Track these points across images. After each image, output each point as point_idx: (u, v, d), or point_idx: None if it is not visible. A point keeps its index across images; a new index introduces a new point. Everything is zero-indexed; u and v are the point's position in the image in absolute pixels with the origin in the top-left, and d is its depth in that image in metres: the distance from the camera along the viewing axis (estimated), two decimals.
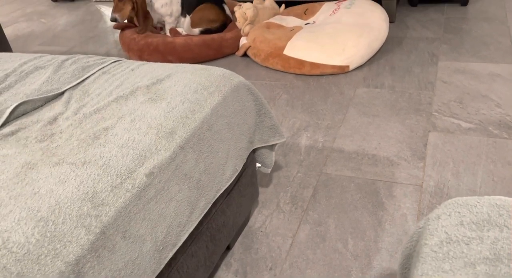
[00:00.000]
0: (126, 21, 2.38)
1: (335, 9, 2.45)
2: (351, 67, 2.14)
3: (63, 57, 1.26)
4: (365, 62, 2.20)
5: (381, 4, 2.56)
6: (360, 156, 1.57)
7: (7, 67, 1.23)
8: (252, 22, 2.48)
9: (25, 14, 3.64)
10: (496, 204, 0.66)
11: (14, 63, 1.25)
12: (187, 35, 2.44)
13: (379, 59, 2.23)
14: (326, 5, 2.57)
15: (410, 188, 1.40)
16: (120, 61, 1.24)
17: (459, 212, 0.64)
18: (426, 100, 1.83)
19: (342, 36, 2.16)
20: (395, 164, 1.51)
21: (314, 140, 1.68)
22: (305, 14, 2.59)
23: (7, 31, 3.27)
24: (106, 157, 0.82)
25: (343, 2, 2.49)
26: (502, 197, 0.68)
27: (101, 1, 3.71)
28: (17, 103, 1.02)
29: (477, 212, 0.64)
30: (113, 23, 3.14)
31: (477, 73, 1.98)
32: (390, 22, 2.61)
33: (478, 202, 0.67)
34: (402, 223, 1.27)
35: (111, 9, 3.48)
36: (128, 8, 2.31)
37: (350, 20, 2.31)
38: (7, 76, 1.18)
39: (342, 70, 2.14)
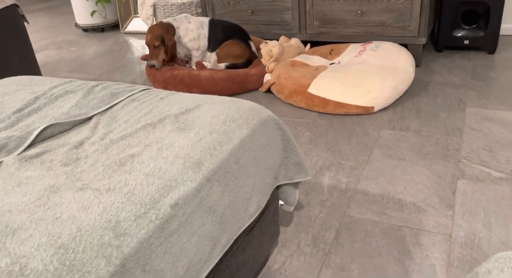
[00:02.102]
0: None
1: (361, 51, 2.46)
2: (375, 109, 2.12)
3: (93, 83, 1.27)
4: (390, 105, 2.18)
5: (407, 48, 2.56)
6: (385, 199, 1.51)
7: (37, 90, 1.24)
8: (277, 60, 2.50)
9: (56, 42, 3.76)
10: None
11: (44, 86, 1.26)
12: (212, 69, 2.47)
13: (405, 102, 2.20)
14: (351, 46, 2.59)
15: (438, 237, 1.33)
16: (149, 90, 1.24)
17: None
18: (454, 146, 1.78)
19: (368, 77, 2.15)
20: (422, 210, 1.44)
21: (337, 180, 1.64)
22: (330, 54, 2.61)
23: (38, 57, 3.37)
24: (131, 184, 0.79)
25: (369, 44, 2.51)
26: None
27: (130, 33, 3.82)
28: (44, 126, 1.01)
29: None
30: (141, 54, 3.22)
31: (507, 121, 1.93)
32: (416, 66, 2.61)
33: None
34: (431, 274, 1.20)
35: (139, 40, 3.57)
36: (163, 54, 2.44)
37: (376, 62, 2.31)
38: (36, 98, 1.18)
39: (366, 111, 2.11)
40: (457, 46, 2.80)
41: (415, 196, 1.51)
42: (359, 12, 2.63)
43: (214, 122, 1.01)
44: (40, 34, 4.04)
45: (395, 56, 2.32)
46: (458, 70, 2.52)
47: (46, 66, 3.15)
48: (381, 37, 2.65)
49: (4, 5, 1.95)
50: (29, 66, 2.11)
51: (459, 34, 2.73)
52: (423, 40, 2.54)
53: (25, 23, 2.08)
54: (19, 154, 0.93)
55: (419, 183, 1.58)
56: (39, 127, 1.01)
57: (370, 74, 2.18)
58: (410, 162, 1.70)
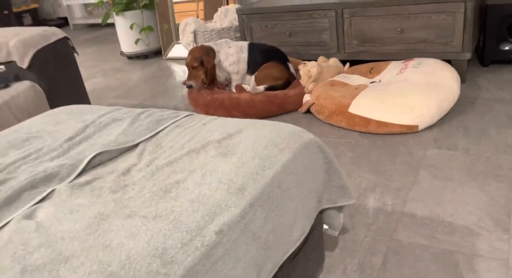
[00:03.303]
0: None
1: (402, 68, 2.42)
2: (420, 127, 2.06)
3: (139, 110, 1.32)
4: (436, 123, 2.11)
5: (451, 64, 2.49)
6: (434, 222, 1.45)
7: (87, 119, 1.30)
8: (316, 80, 2.50)
9: (103, 70, 3.94)
10: None
11: (93, 115, 1.32)
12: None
13: (451, 119, 2.13)
14: (392, 64, 2.54)
15: (494, 263, 1.25)
16: (192, 115, 1.27)
17: None
18: (507, 166, 1.69)
19: (411, 95, 2.10)
20: (475, 233, 1.37)
21: (382, 202, 1.59)
22: (370, 73, 2.58)
23: (86, 85, 3.54)
24: (177, 211, 0.80)
25: (411, 61, 2.46)
26: None
27: (171, 59, 3.95)
28: (94, 154, 1.05)
29: None
30: (182, 79, 3.31)
31: None
32: (461, 82, 2.52)
33: None
34: None
35: (180, 65, 3.69)
36: (201, 75, 2.48)
37: (419, 80, 2.25)
38: (86, 127, 1.24)
39: (410, 130, 2.06)
40: (504, 60, 2.69)
41: (467, 219, 1.44)
42: (398, 29, 2.59)
43: (256, 147, 1.01)
44: (88, 62, 4.26)
45: (439, 72, 2.26)
46: (507, 85, 2.42)
47: (94, 93, 3.31)
48: (423, 53, 2.59)
49: (56, 38, 2.07)
50: (79, 95, 2.22)
51: (506, 48, 2.63)
52: (468, 56, 2.47)
53: (75, 54, 2.20)
54: (70, 182, 0.97)
55: (470, 204, 1.51)
56: (89, 155, 1.05)
57: (413, 92, 2.13)
58: (460, 183, 1.63)
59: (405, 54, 2.65)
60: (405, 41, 2.62)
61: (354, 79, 2.55)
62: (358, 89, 2.32)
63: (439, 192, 1.60)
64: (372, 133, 2.12)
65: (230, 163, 0.95)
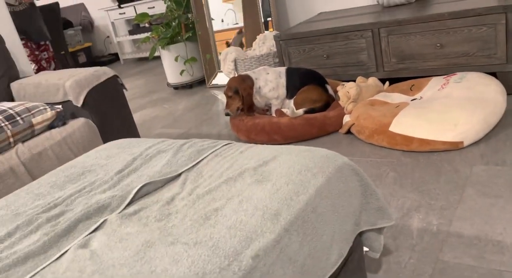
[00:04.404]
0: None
1: (444, 84, 2.38)
2: (465, 144, 2.01)
3: (182, 141, 1.40)
4: (482, 138, 2.05)
5: (495, 77, 2.42)
6: (482, 242, 1.40)
7: (135, 152, 1.40)
8: (355, 100, 2.51)
9: (151, 101, 4.15)
10: None
11: (140, 148, 1.42)
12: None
13: (498, 134, 2.06)
14: (433, 80, 2.51)
15: None
16: (230, 144, 1.33)
17: None
18: None
19: (454, 111, 2.06)
20: None
21: (427, 222, 1.56)
22: (411, 90, 2.55)
23: (136, 117, 3.74)
24: (216, 237, 0.86)
25: (453, 76, 2.42)
26: None
27: (215, 87, 4.10)
28: (140, 185, 1.14)
29: None
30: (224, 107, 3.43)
31: None
32: (508, 94, 2.44)
33: None
34: None
35: (223, 93, 3.82)
36: (237, 103, 2.60)
37: (462, 94, 2.21)
38: (134, 159, 1.33)
39: (455, 147, 2.01)
40: None
41: None
42: (438, 44, 2.56)
43: (290, 172, 1.05)
44: (138, 94, 4.50)
45: (482, 86, 2.21)
46: None
47: (143, 124, 3.49)
48: (465, 67, 2.54)
49: (107, 77, 2.24)
50: (128, 128, 2.37)
51: None
52: None
53: (124, 90, 2.36)
54: (120, 212, 1.06)
55: None
56: (136, 186, 1.14)
57: (455, 107, 2.09)
58: (509, 199, 1.57)
59: (447, 69, 2.61)
60: (446, 56, 2.58)
61: (395, 97, 2.54)
62: (399, 107, 2.31)
63: (487, 209, 1.55)
64: (415, 151, 2.09)
65: (265, 190, 1.00)
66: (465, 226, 1.49)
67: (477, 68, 2.50)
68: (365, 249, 1.27)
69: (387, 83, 2.71)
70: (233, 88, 2.57)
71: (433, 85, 2.46)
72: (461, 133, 2.00)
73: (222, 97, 3.71)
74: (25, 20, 4.00)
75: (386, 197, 1.77)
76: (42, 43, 4.28)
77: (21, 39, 3.62)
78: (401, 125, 2.13)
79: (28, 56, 4.14)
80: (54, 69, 4.35)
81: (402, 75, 2.76)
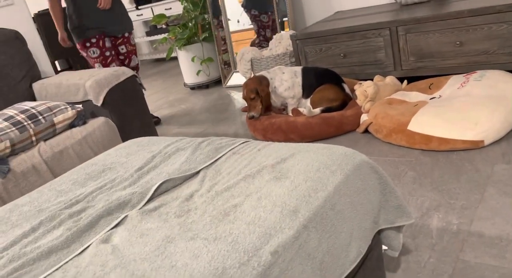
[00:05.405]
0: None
1: (464, 82, 2.34)
2: (486, 142, 1.97)
3: (200, 139, 1.41)
4: (503, 137, 2.01)
5: None
6: (504, 241, 1.38)
7: (154, 149, 1.42)
8: (372, 99, 2.49)
9: (168, 101, 4.19)
10: None
11: (159, 146, 1.44)
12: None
13: None
14: (453, 78, 2.48)
15: None
16: (248, 142, 1.34)
17: None
18: None
19: (474, 110, 2.03)
20: None
21: (447, 221, 1.54)
22: (429, 88, 2.52)
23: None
24: (235, 233, 0.86)
25: (473, 74, 2.38)
26: None
27: (231, 87, 4.11)
28: (160, 182, 1.15)
29: None
30: (241, 106, 3.44)
31: None
32: None
33: None
34: None
35: (239, 93, 3.83)
36: (259, 104, 2.61)
37: (482, 93, 2.17)
38: (153, 157, 1.35)
39: (475, 146, 1.98)
40: None
41: None
42: (457, 42, 2.53)
43: (308, 170, 1.05)
44: (155, 96, 4.55)
45: (503, 84, 2.17)
46: None
47: (160, 124, 3.53)
48: (485, 65, 2.50)
49: (126, 77, 2.27)
50: (147, 127, 2.40)
51: None
52: None
53: (143, 90, 2.39)
54: (140, 208, 1.07)
55: None
56: (156, 183, 1.15)
57: (476, 106, 2.05)
58: None
59: (467, 67, 2.56)
60: (466, 54, 2.54)
61: (413, 96, 2.51)
62: (417, 106, 2.28)
63: (509, 209, 1.52)
64: (434, 151, 2.06)
65: (284, 186, 1.00)
66: (486, 226, 1.47)
67: (497, 66, 2.45)
68: (384, 247, 1.26)
69: (405, 82, 2.68)
70: (254, 90, 2.58)
71: (453, 83, 2.43)
72: (482, 132, 1.97)
73: (238, 96, 3.72)
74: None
75: (405, 196, 1.75)
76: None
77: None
78: (420, 124, 2.10)
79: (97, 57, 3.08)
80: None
81: (421, 74, 2.73)
